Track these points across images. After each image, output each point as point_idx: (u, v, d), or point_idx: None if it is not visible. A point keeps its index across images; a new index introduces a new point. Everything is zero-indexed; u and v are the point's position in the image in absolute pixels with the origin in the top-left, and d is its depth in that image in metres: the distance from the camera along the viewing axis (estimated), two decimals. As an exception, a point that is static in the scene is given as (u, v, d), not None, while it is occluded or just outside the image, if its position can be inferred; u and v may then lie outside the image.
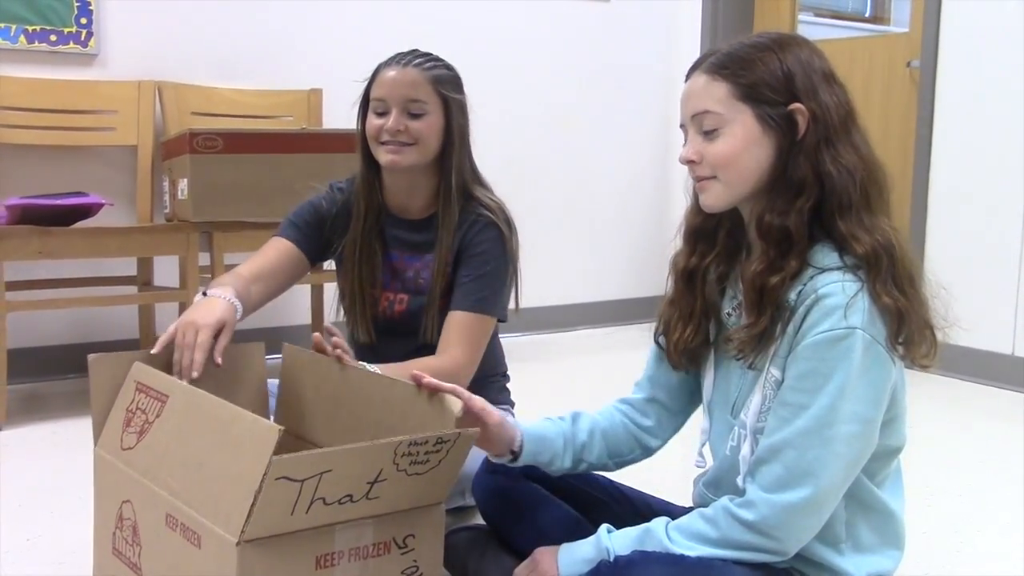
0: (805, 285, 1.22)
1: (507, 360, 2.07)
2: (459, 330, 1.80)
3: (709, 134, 1.27)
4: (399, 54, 1.86)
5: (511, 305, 1.91)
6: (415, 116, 1.81)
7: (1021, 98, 3.24)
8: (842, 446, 1.19)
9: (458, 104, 1.86)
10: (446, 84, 1.85)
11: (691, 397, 1.49)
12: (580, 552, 1.32)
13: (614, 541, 1.30)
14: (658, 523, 1.30)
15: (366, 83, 1.87)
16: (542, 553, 1.36)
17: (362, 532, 1.21)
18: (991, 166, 3.33)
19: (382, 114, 1.83)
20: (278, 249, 1.87)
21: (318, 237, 1.91)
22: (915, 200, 3.52)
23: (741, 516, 1.23)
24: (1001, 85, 3.29)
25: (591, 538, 1.33)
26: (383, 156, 1.83)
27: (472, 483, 1.60)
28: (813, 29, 4.56)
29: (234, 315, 1.58)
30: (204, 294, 1.62)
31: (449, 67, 1.89)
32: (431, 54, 1.88)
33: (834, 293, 1.19)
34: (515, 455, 1.41)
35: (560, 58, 4.10)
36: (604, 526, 1.33)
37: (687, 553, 1.23)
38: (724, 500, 1.27)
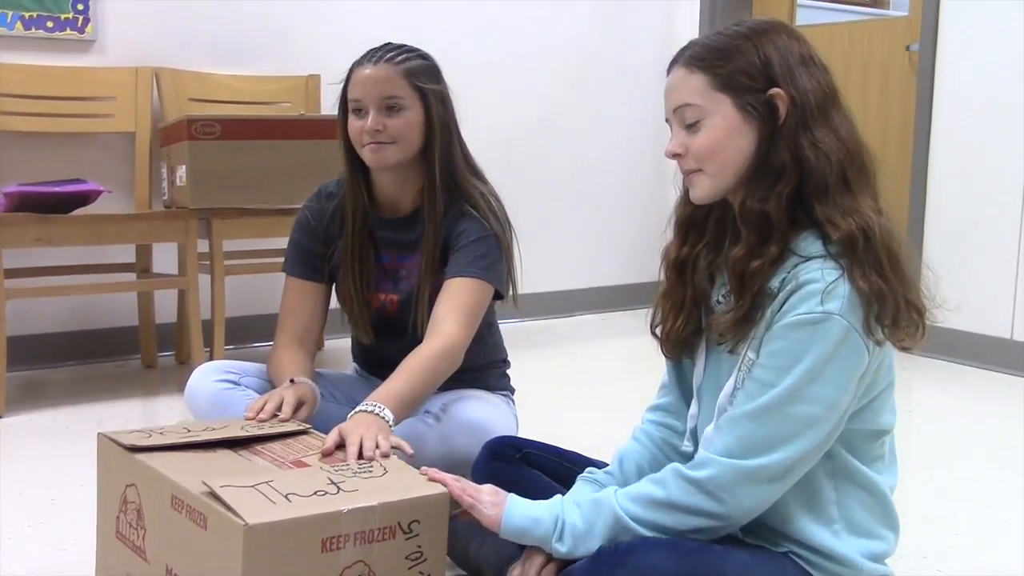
0: (788, 273, 1.24)
1: (506, 346, 2.07)
2: (452, 300, 1.76)
3: (691, 127, 1.29)
4: (371, 51, 1.82)
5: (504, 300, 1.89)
6: (393, 113, 1.78)
7: (1020, 81, 3.23)
8: (801, 426, 1.21)
9: (437, 94, 1.82)
10: (421, 75, 1.81)
11: None
12: (532, 508, 1.30)
13: (567, 509, 1.29)
14: (608, 492, 1.30)
15: (342, 84, 1.84)
16: (494, 493, 1.33)
17: (368, 516, 1.22)
18: (990, 149, 3.33)
19: (359, 113, 1.80)
20: (298, 291, 1.91)
21: (319, 257, 1.91)
22: (914, 183, 3.51)
23: (689, 475, 1.24)
24: (1000, 69, 3.28)
25: (547, 501, 1.32)
26: (366, 157, 1.81)
27: (472, 469, 1.60)
28: (813, 14, 4.56)
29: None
30: (292, 381, 1.71)
31: (424, 56, 1.85)
32: (404, 45, 1.84)
33: (814, 280, 1.20)
34: None
35: (559, 46, 4.08)
36: (558, 496, 1.33)
37: (638, 515, 1.24)
38: (675, 463, 1.28)
